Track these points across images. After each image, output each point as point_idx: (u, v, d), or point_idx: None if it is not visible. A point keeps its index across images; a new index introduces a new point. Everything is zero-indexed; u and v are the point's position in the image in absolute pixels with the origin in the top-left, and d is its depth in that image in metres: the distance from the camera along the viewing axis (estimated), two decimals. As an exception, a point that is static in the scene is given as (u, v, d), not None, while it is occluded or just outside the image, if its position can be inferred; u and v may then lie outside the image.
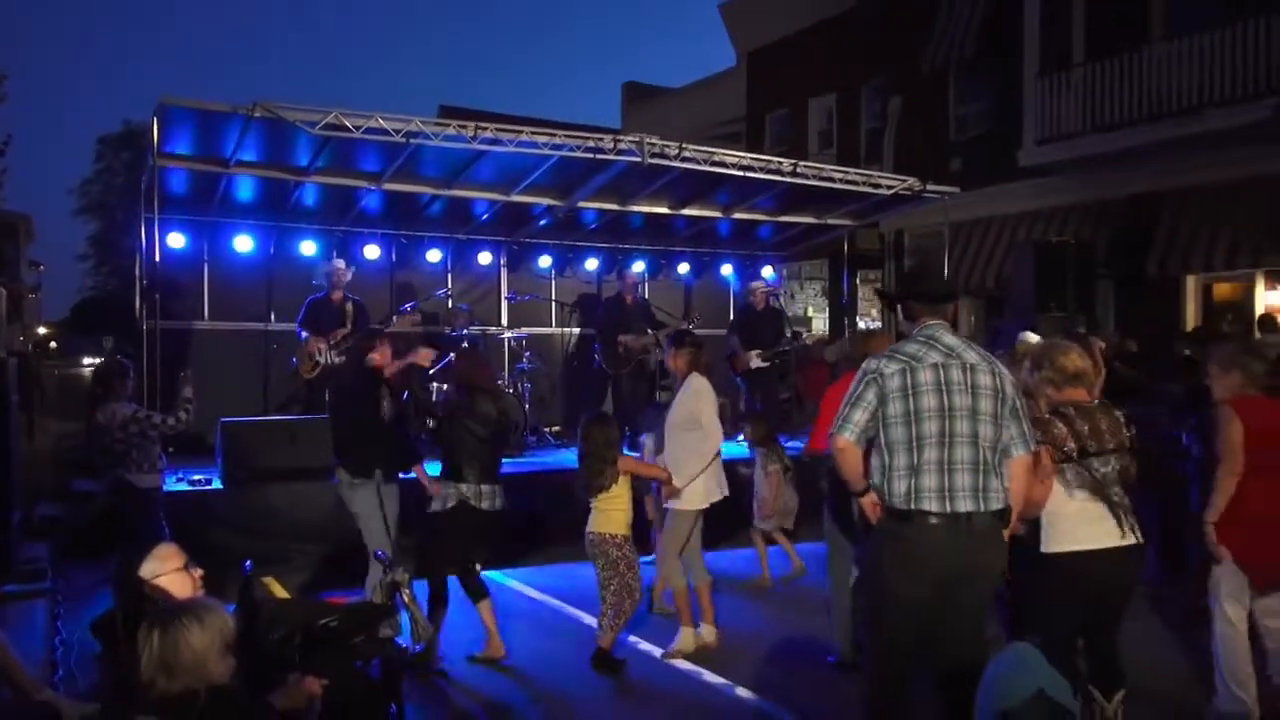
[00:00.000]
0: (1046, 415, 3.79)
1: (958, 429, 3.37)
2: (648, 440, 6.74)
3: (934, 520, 3.32)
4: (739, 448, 7.65)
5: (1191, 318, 12.34)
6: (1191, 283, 12.38)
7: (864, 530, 3.81)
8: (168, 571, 3.17)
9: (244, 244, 9.57)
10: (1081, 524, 3.70)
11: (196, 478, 7.41)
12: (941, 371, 3.40)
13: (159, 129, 7.23)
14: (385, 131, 7.33)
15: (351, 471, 5.39)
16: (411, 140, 7.44)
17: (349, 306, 8.63)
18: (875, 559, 3.57)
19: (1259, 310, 11.54)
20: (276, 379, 9.59)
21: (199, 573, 3.25)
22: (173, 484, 6.96)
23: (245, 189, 9.10)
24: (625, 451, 5.69)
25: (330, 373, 8.33)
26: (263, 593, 5.91)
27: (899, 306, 3.74)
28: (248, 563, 4.20)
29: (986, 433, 3.38)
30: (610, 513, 5.16)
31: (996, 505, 3.38)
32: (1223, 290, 12.40)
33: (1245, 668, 4.20)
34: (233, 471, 7.28)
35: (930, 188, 10.19)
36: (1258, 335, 10.17)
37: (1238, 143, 10.96)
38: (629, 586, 5.16)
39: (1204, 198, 11.75)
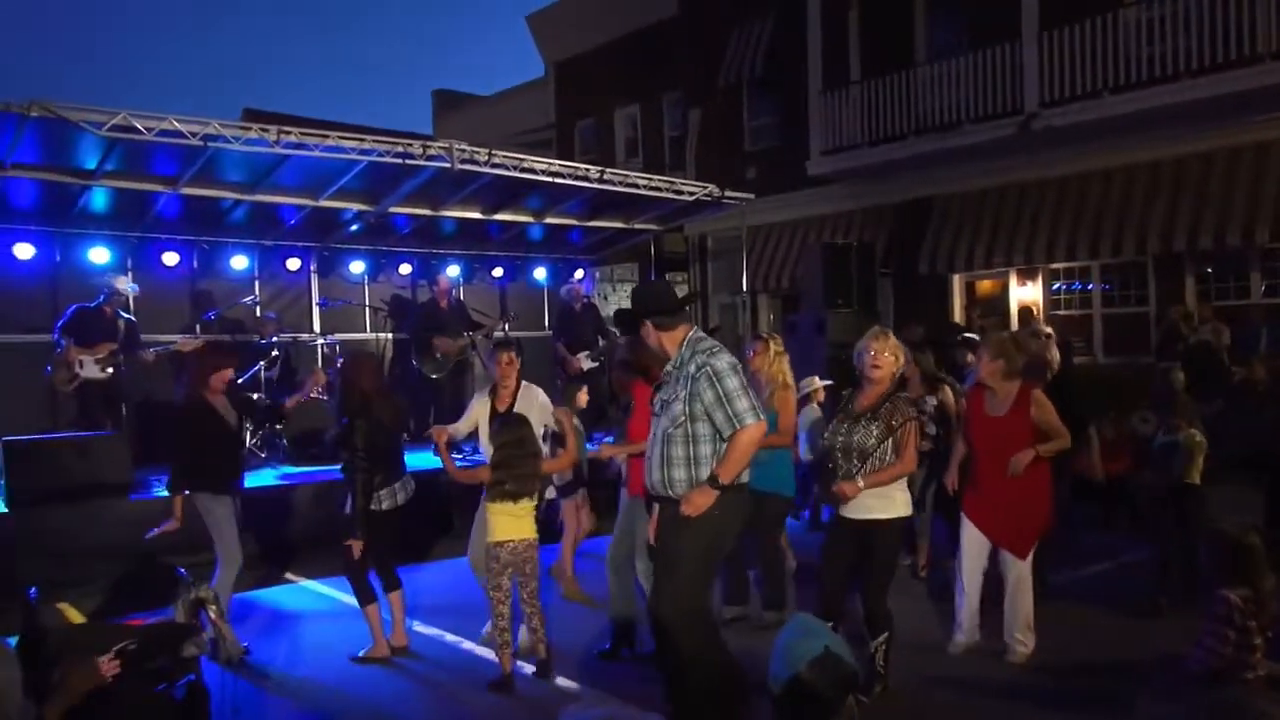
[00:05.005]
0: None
1: None
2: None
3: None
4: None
5: (959, 311, 13.75)
6: (957, 280, 13.79)
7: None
8: None
9: (24, 251, 8.94)
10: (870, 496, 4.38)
11: (-28, 503, 6.95)
12: None
13: (-87, 128, 6.73)
14: (180, 134, 7.13)
15: (213, 489, 5.44)
16: (210, 144, 7.27)
17: (120, 323, 8.39)
18: (720, 519, 3.80)
19: (1013, 304, 13.07)
20: (67, 393, 9.02)
21: None
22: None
23: (23, 193, 8.53)
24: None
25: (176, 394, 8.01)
26: (55, 619, 5.61)
27: (649, 321, 3.94)
28: (32, 590, 4.05)
29: None
30: (526, 518, 4.90)
31: None
32: (984, 287, 13.86)
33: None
34: (18, 493, 6.90)
35: (728, 194, 10.87)
36: (1016, 327, 11.54)
37: (990, 155, 12.36)
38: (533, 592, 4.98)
39: (964, 204, 13.15)
